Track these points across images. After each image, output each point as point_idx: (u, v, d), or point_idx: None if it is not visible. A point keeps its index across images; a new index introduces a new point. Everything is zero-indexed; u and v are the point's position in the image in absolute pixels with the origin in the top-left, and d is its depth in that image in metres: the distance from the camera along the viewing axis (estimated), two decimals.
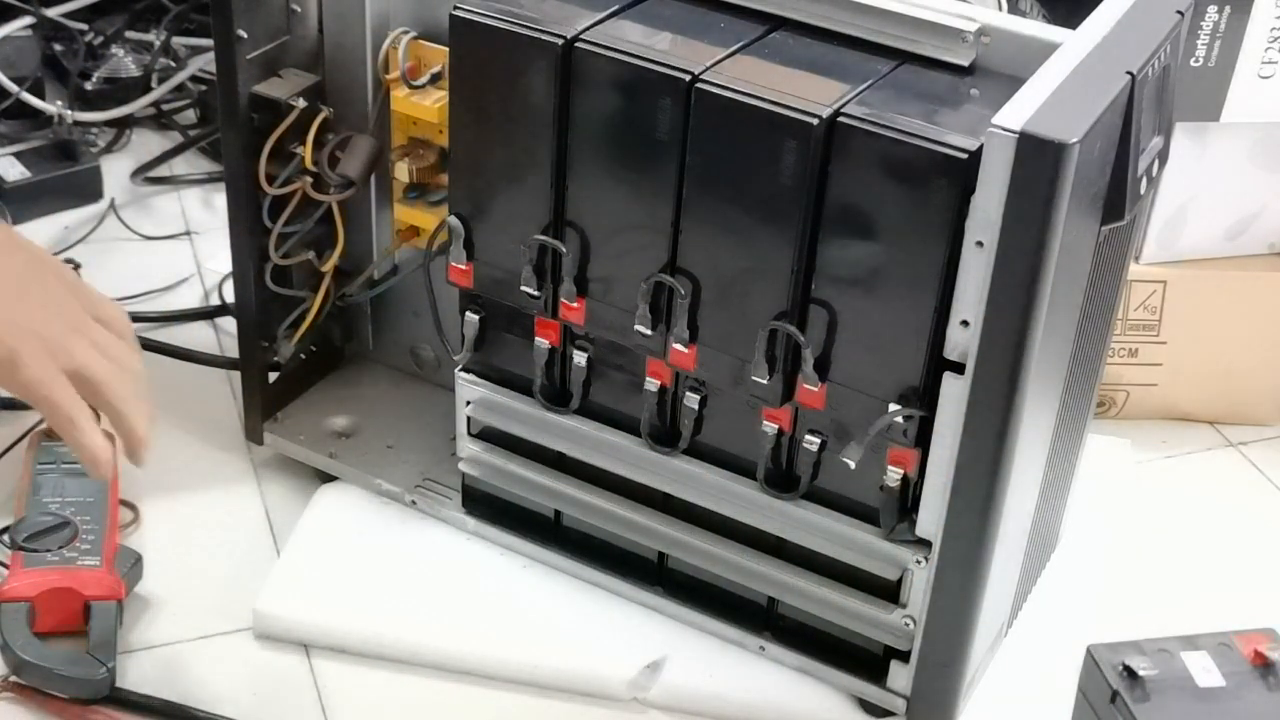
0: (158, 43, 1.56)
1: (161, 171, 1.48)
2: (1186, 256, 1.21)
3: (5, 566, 0.97)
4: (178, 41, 1.57)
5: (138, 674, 0.98)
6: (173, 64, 1.55)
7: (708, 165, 0.85)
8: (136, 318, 1.26)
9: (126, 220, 1.40)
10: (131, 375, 0.85)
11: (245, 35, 0.99)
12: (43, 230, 1.38)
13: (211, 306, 1.30)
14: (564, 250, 0.91)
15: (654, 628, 1.01)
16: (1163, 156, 0.88)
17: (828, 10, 0.89)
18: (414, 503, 1.09)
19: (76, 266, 1.31)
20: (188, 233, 1.39)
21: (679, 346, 0.90)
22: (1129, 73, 0.80)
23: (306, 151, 1.01)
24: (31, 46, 1.53)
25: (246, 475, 1.14)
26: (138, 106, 1.51)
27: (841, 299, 0.85)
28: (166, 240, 1.39)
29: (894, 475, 0.88)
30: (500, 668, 0.99)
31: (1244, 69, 1.11)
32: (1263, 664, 0.84)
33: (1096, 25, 0.85)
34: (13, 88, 1.45)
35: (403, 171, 1.01)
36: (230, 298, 1.28)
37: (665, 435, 0.96)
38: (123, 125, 1.52)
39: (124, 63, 1.56)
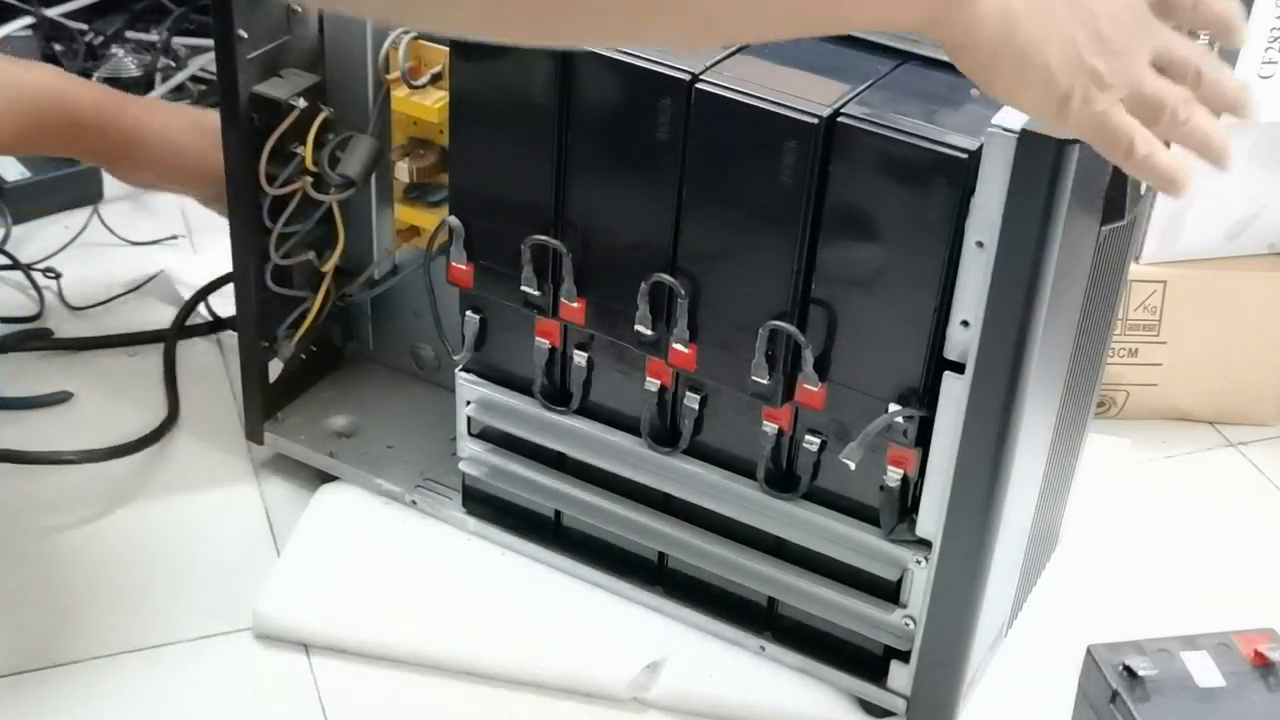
0: (158, 43, 1.56)
1: None
2: (1186, 256, 1.21)
3: None
4: (178, 41, 1.57)
5: (138, 674, 0.98)
6: (173, 64, 1.55)
7: (708, 165, 0.85)
8: (125, 340, 1.26)
9: (126, 220, 1.40)
10: (1214, 88, 0.73)
11: (246, 35, 0.99)
12: (43, 230, 1.38)
13: (205, 323, 1.29)
14: (564, 250, 0.91)
15: (654, 628, 1.01)
16: None
17: None
18: (414, 503, 1.09)
19: (56, 276, 1.31)
20: (174, 237, 1.39)
21: (679, 346, 0.90)
22: None
23: (307, 151, 1.01)
24: (31, 46, 1.53)
25: (246, 475, 1.14)
26: None
27: (841, 299, 0.85)
28: (154, 245, 1.38)
29: (894, 475, 0.88)
30: (500, 668, 0.99)
31: (1244, 69, 1.11)
32: (1263, 664, 0.84)
33: None
34: None
35: (403, 171, 1.01)
36: (219, 310, 1.28)
37: (665, 435, 0.96)
38: None
39: (124, 63, 1.56)
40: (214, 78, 1.05)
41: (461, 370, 1.02)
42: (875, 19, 0.68)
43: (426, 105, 0.99)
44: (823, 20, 0.65)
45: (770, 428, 0.91)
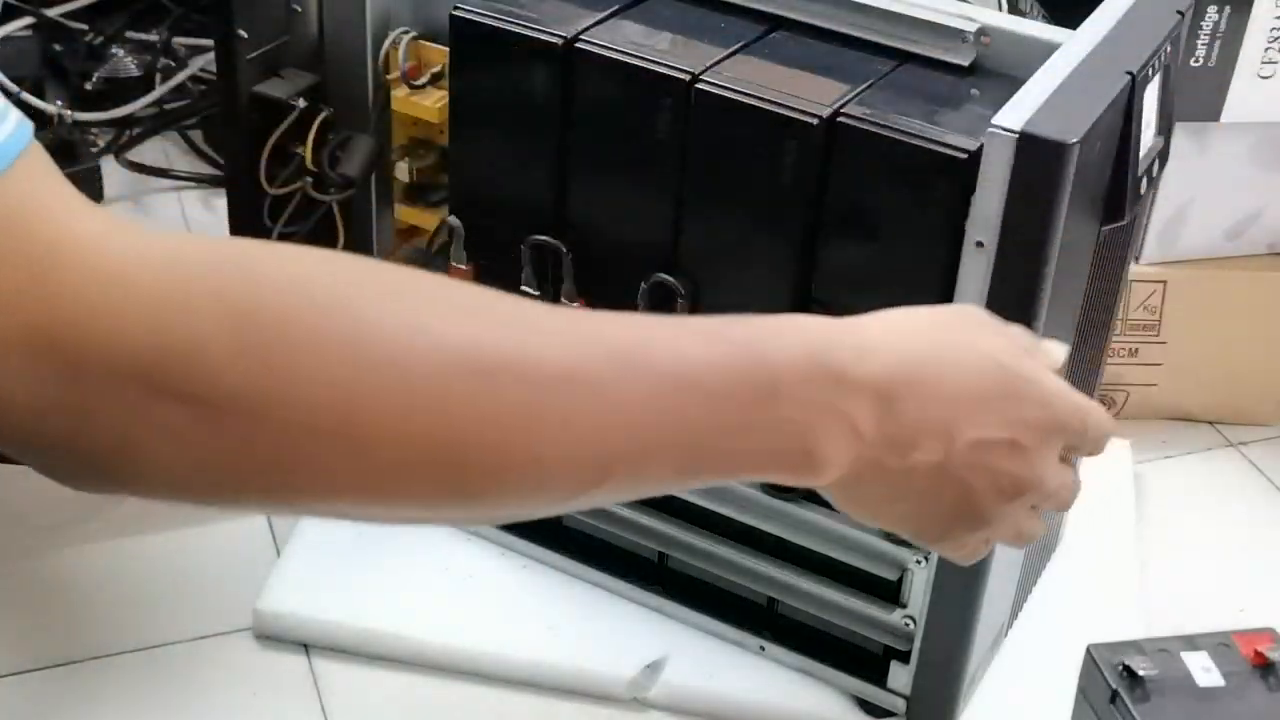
0: (158, 43, 1.56)
1: (156, 160, 1.49)
2: (1186, 256, 1.21)
3: None
4: (178, 41, 1.57)
5: (138, 674, 0.98)
6: (173, 64, 1.55)
7: (708, 165, 0.85)
8: None
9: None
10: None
11: (246, 35, 0.99)
12: None
13: None
14: (564, 250, 0.91)
15: (654, 628, 1.01)
16: (1163, 156, 0.88)
17: (828, 10, 0.89)
18: None
19: None
20: None
21: None
22: (1129, 73, 0.80)
23: (307, 152, 1.01)
24: (32, 46, 1.53)
25: None
26: (138, 106, 1.51)
27: (842, 299, 0.85)
28: None
29: None
30: (500, 668, 0.99)
31: (1244, 69, 1.11)
32: (1263, 664, 0.84)
33: (1096, 25, 0.85)
34: (13, 88, 1.45)
35: (403, 171, 1.01)
36: None
37: None
38: (123, 125, 1.52)
39: (124, 63, 1.56)
40: (214, 78, 1.04)
41: None
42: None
43: (426, 105, 0.99)
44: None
45: None
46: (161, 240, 0.49)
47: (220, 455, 0.48)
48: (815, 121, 0.81)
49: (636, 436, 0.54)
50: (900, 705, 0.95)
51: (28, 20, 1.54)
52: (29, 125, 0.48)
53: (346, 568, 1.04)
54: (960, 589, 0.89)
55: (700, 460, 0.56)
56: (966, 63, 0.87)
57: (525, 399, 0.51)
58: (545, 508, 0.56)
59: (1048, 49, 0.83)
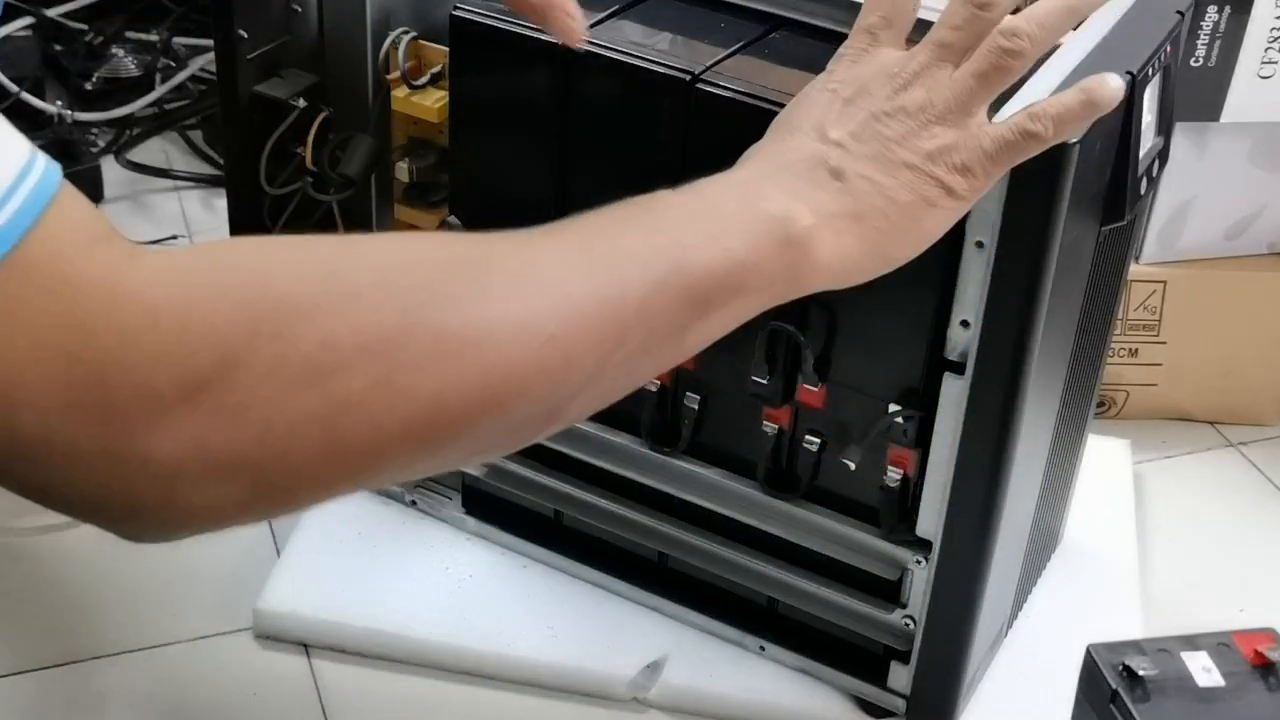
0: (158, 43, 1.56)
1: (156, 160, 1.49)
2: (1186, 256, 1.21)
3: None
4: (178, 41, 1.57)
5: (138, 674, 0.98)
6: (173, 64, 1.56)
7: (708, 166, 0.85)
8: None
9: (126, 220, 1.40)
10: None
11: (245, 35, 0.99)
12: None
13: None
14: None
15: (654, 628, 1.01)
16: (1163, 156, 0.88)
17: (828, 10, 0.89)
18: (414, 503, 1.09)
19: None
20: (174, 237, 1.39)
21: None
22: (1129, 73, 0.80)
23: (307, 151, 1.01)
24: (31, 46, 1.53)
25: None
26: (138, 106, 1.51)
27: (841, 299, 0.85)
28: (154, 245, 1.38)
29: (894, 475, 0.88)
30: (500, 668, 0.99)
31: (1244, 69, 1.11)
32: (1263, 664, 0.84)
33: (1096, 25, 0.84)
34: (13, 88, 1.45)
35: (403, 171, 1.01)
36: None
37: (665, 435, 0.96)
38: (123, 125, 1.52)
39: (124, 63, 1.56)
40: (214, 78, 1.04)
41: None
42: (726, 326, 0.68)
43: (426, 105, 0.99)
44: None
45: (770, 428, 0.91)
46: (171, 257, 0.51)
47: (263, 452, 0.51)
48: None
49: (595, 282, 0.62)
50: (900, 705, 0.95)
51: (28, 20, 1.54)
52: (56, 168, 0.50)
53: (346, 568, 1.04)
54: (960, 589, 0.89)
55: (691, 282, 0.63)
56: None
57: (480, 283, 0.61)
58: (538, 402, 0.60)
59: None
